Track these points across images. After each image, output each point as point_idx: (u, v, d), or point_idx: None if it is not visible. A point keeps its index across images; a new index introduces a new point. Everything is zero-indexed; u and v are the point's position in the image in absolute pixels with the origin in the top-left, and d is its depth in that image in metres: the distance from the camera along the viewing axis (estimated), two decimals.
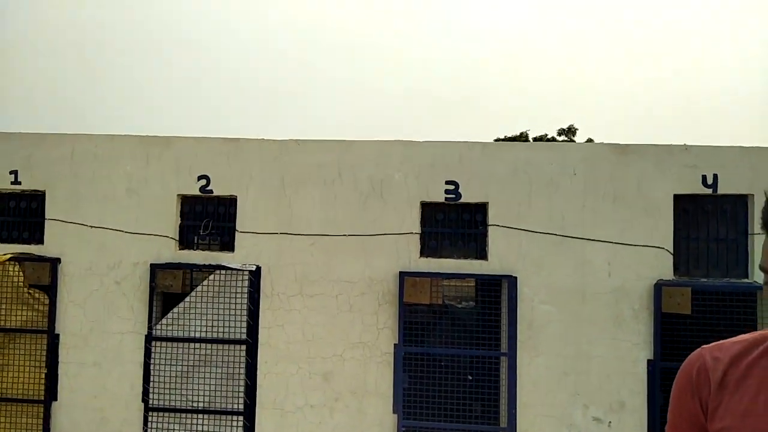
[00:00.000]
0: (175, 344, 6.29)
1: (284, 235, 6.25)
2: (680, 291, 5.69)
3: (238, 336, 6.24)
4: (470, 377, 6.08)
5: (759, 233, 5.64)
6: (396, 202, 6.13)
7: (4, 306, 6.48)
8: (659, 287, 5.73)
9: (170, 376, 6.28)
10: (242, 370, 6.21)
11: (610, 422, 5.78)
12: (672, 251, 5.78)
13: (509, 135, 33.23)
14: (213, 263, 6.29)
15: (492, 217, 6.01)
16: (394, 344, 6.06)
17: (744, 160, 5.73)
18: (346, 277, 6.16)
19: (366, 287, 6.14)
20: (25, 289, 6.47)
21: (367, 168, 6.19)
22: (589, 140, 31.83)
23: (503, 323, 6.06)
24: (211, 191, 6.34)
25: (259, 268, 6.24)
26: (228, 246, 6.38)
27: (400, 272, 6.05)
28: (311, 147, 6.29)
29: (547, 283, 5.91)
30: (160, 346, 6.30)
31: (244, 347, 6.22)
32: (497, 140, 33.06)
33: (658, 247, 5.78)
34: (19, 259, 6.47)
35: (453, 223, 6.18)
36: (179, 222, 6.43)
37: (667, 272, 5.78)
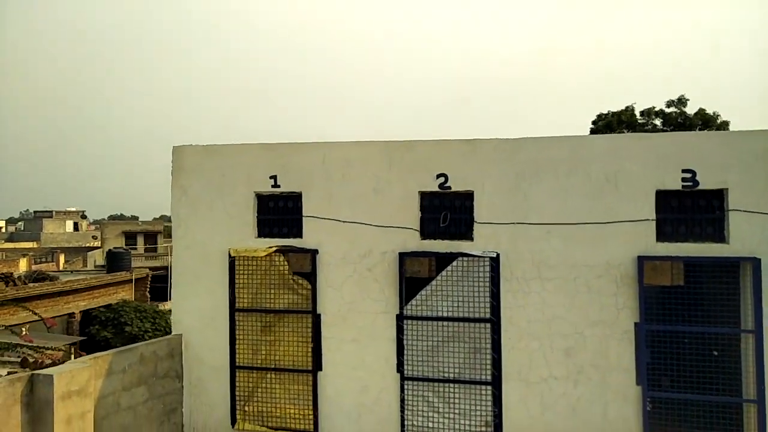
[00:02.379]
0: (424, 322, 6.60)
1: (520, 225, 6.36)
2: None
3: (482, 315, 6.44)
4: (715, 353, 5.97)
5: None
6: (631, 191, 6.07)
7: (273, 291, 7.04)
8: None
9: (422, 351, 6.61)
10: (488, 346, 6.42)
11: None
12: None
13: (614, 110, 31.59)
14: (455, 251, 6.50)
15: (732, 202, 5.81)
16: (635, 323, 6.04)
17: None
18: (583, 261, 6.19)
19: (603, 271, 6.14)
20: (290, 276, 6.99)
21: (600, 161, 6.16)
22: (701, 110, 29.86)
23: (744, 302, 5.89)
24: (449, 187, 6.53)
25: (498, 255, 6.39)
26: (466, 236, 6.57)
27: (639, 256, 6.01)
28: (544, 143, 6.33)
29: None
30: (411, 324, 6.63)
31: (488, 325, 6.43)
32: (600, 116, 31.69)
33: None
34: (282, 250, 6.99)
35: (688, 210, 6.03)
36: (420, 215, 6.68)
37: None
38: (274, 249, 7.00)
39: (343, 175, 6.83)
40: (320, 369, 6.90)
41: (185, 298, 7.25)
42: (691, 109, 29.65)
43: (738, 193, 5.81)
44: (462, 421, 6.51)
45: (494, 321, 6.40)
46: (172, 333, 7.32)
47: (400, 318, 6.65)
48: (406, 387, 6.65)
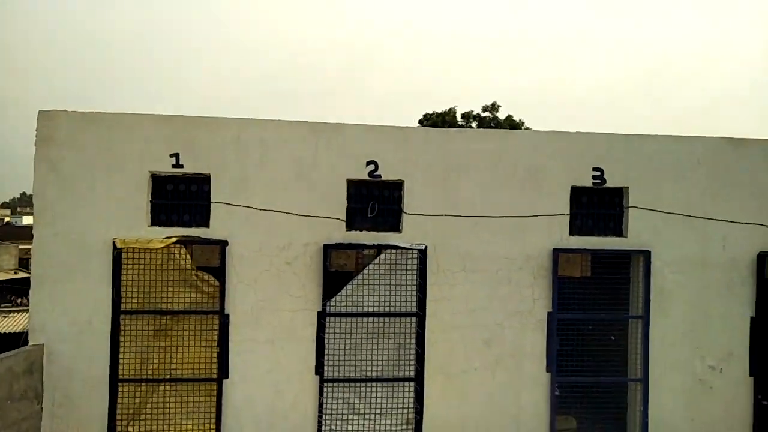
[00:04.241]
0: (348, 319, 6.25)
1: (448, 217, 6.36)
2: None
3: (408, 309, 6.31)
4: (613, 337, 6.64)
5: None
6: (550, 186, 6.45)
7: (170, 288, 6.07)
8: (762, 258, 6.55)
9: (344, 349, 6.26)
10: (413, 340, 6.32)
11: (721, 369, 6.58)
12: None
13: (438, 111, 33.68)
14: (383, 243, 6.27)
15: (631, 199, 6.50)
16: (548, 312, 6.44)
17: None
18: (506, 254, 6.42)
19: (523, 263, 6.44)
20: (193, 272, 6.09)
21: (524, 156, 6.44)
22: (509, 116, 33.12)
23: (633, 290, 6.64)
24: (379, 176, 6.27)
25: (426, 247, 6.31)
26: (394, 227, 6.38)
27: (554, 249, 6.41)
28: (473, 135, 6.45)
29: (675, 256, 6.54)
30: (334, 322, 6.24)
31: (414, 319, 6.32)
32: (426, 115, 33.48)
33: (762, 225, 6.58)
34: (184, 241, 6.06)
35: (596, 205, 6.60)
36: (347, 205, 6.30)
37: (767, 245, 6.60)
38: (174, 240, 6.02)
39: (261, 157, 6.14)
40: (226, 376, 6.14)
41: (51, 298, 5.89)
42: (502, 115, 32.86)
43: (636, 191, 6.51)
44: (383, 421, 6.32)
45: (420, 315, 6.32)
46: (30, 343, 5.89)
47: (322, 315, 6.21)
48: (325, 389, 6.24)
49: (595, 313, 6.59)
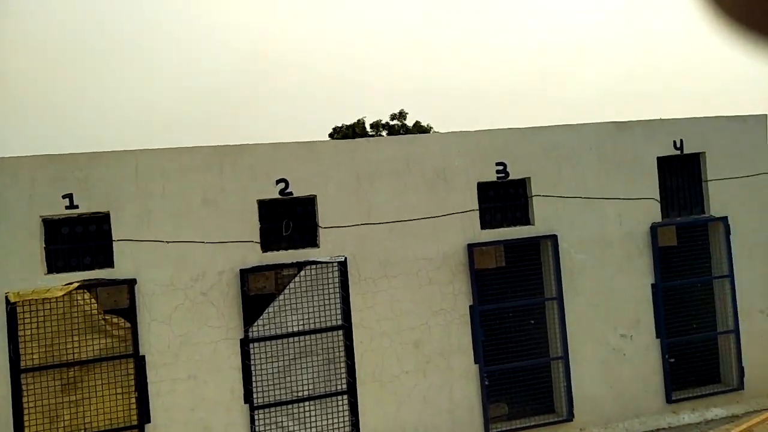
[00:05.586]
0: (273, 342, 6.01)
1: (364, 226, 6.28)
2: (668, 229, 6.99)
3: (334, 323, 6.16)
4: (532, 321, 6.80)
5: (711, 180, 7.15)
6: (458, 184, 6.53)
7: (76, 338, 5.57)
8: (654, 228, 6.96)
9: (272, 373, 6.01)
10: (342, 353, 6.17)
11: (631, 336, 6.92)
12: (659, 200, 7.03)
13: (347, 123, 33.72)
14: (301, 260, 6.09)
15: (534, 189, 6.71)
16: (470, 305, 6.50)
17: (696, 128, 7.15)
18: (423, 255, 6.43)
19: (441, 261, 6.47)
20: (100, 316, 5.62)
21: (431, 158, 6.48)
22: (417, 122, 33.65)
23: (546, 274, 6.85)
24: (291, 193, 6.09)
25: (345, 259, 6.20)
26: (311, 242, 6.21)
27: (468, 244, 6.50)
28: (381, 143, 6.43)
29: (579, 237, 6.81)
30: (259, 347, 5.97)
31: (341, 332, 6.18)
32: (336, 128, 33.43)
33: (650, 198, 6.99)
34: (88, 286, 5.59)
35: (502, 198, 6.76)
36: (259, 226, 6.07)
37: (657, 217, 7.02)
38: (76, 285, 5.53)
39: (163, 187, 5.79)
40: (148, 421, 5.72)
41: None
42: (410, 122, 33.38)
43: (537, 180, 6.73)
44: None
45: (346, 327, 6.18)
46: None
47: (245, 342, 5.93)
48: (256, 417, 5.96)
49: (514, 300, 6.73)
